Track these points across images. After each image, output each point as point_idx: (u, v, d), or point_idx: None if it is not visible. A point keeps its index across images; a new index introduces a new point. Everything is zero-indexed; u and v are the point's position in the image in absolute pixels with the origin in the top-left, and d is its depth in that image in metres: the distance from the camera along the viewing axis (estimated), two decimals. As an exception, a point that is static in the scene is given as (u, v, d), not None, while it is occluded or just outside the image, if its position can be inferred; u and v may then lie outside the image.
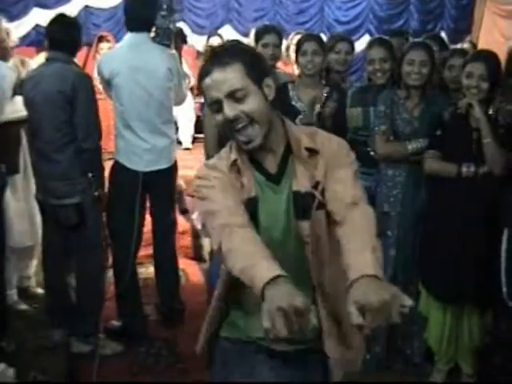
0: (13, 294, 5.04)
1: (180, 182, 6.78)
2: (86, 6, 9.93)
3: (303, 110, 4.38)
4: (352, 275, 1.85)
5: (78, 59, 6.40)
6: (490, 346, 4.02)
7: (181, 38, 6.01)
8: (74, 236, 4.37)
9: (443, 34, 10.26)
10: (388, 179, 4.18)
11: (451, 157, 3.90)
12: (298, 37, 5.47)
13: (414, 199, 4.18)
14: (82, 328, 4.42)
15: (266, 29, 4.78)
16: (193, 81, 8.71)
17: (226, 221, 2.07)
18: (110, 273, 4.81)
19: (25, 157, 4.99)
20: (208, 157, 4.55)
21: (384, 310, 1.70)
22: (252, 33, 7.53)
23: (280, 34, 4.86)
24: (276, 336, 1.70)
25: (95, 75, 5.31)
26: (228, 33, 9.63)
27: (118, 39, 8.00)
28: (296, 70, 5.44)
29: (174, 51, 4.72)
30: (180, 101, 4.93)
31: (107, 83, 4.57)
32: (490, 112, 3.91)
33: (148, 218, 4.89)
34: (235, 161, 2.21)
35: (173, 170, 4.80)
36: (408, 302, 1.73)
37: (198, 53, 9.39)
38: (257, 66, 2.16)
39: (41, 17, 9.26)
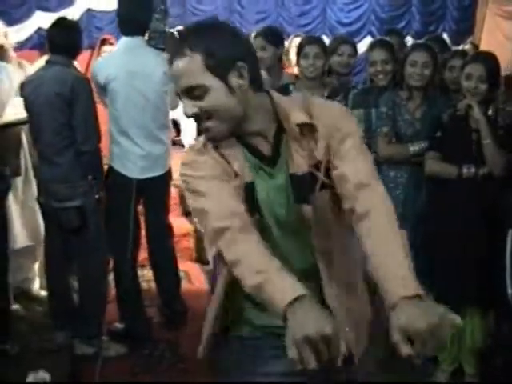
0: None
1: (183, 184, 6.79)
2: (89, 9, 9.96)
3: None
4: (390, 298, 1.68)
5: (81, 62, 6.42)
6: (492, 347, 4.02)
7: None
8: (76, 239, 4.37)
9: (445, 36, 10.26)
10: (390, 180, 4.18)
11: (451, 158, 3.91)
12: (298, 39, 5.49)
13: (414, 200, 4.19)
14: (86, 330, 4.42)
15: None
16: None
17: (225, 224, 1.89)
18: (112, 276, 4.81)
19: (25, 159, 5.01)
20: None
21: (434, 335, 1.58)
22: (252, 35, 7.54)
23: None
24: (304, 367, 1.57)
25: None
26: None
27: (120, 42, 8.00)
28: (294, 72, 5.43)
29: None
30: (175, 105, 4.92)
31: (103, 88, 4.53)
32: (490, 113, 3.93)
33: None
34: (216, 147, 2.02)
35: (167, 176, 4.77)
36: (458, 320, 1.65)
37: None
38: (222, 54, 1.90)
39: (43, 20, 9.27)
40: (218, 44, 1.92)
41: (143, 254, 4.97)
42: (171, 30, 5.36)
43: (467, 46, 8.40)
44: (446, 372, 4.20)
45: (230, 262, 1.88)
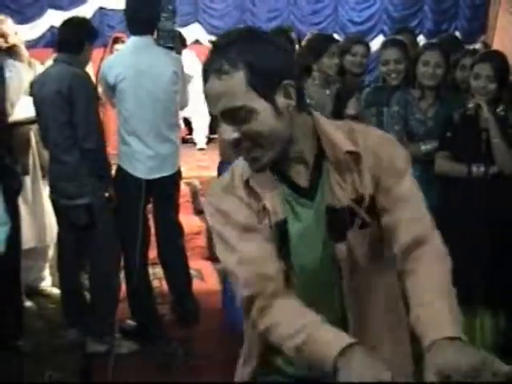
0: None
1: (195, 182, 6.82)
2: (101, 8, 9.97)
3: (315, 109, 4.42)
4: (427, 339, 1.54)
5: (94, 60, 6.44)
6: (504, 347, 4.01)
7: (180, 42, 6.03)
8: (86, 237, 4.40)
9: (457, 34, 10.26)
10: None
11: (461, 157, 3.91)
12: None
13: (426, 197, 4.18)
14: (98, 328, 4.44)
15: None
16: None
17: (255, 290, 1.73)
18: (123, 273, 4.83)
19: (34, 158, 5.02)
20: (223, 157, 4.58)
21: (474, 378, 1.43)
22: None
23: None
24: None
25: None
26: (242, 33, 9.64)
27: (132, 40, 8.02)
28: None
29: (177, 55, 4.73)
30: (183, 105, 4.92)
31: (112, 88, 4.51)
32: (499, 111, 3.92)
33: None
34: (247, 182, 1.80)
35: (177, 176, 4.75)
36: (504, 367, 1.43)
37: (212, 53, 9.41)
38: (268, 71, 1.65)
39: (55, 18, 9.29)
40: (263, 58, 1.65)
41: (154, 252, 4.98)
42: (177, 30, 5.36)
43: (478, 45, 8.40)
44: None
45: (265, 330, 1.73)
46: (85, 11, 9.29)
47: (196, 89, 7.98)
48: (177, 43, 4.91)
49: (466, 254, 3.87)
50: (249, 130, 1.65)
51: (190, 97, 5.22)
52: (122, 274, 4.76)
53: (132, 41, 4.61)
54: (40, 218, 5.09)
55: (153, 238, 4.88)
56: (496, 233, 3.83)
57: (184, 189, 6.30)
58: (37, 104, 4.33)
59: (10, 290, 4.43)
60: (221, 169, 4.61)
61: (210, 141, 8.28)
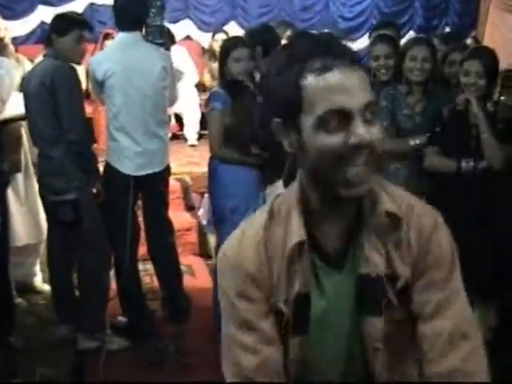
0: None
1: (186, 178, 6.81)
2: (91, 4, 9.93)
3: None
4: None
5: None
6: (493, 342, 4.03)
7: (169, 38, 6.03)
8: (73, 233, 4.39)
9: (448, 30, 10.27)
10: (389, 175, 4.19)
11: (451, 153, 3.93)
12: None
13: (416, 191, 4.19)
14: (88, 324, 4.44)
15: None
16: (197, 77, 8.73)
17: None
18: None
19: (25, 155, 5.02)
20: (213, 154, 4.59)
21: None
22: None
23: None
24: None
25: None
26: (233, 29, 9.62)
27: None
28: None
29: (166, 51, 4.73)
30: (172, 101, 4.91)
31: (100, 84, 4.49)
32: (488, 107, 3.93)
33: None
34: (302, 244, 1.48)
35: (166, 172, 4.75)
36: None
37: (203, 50, 9.41)
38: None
39: (46, 14, 9.26)
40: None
41: (145, 249, 4.98)
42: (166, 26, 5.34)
43: (469, 41, 8.42)
44: None
45: None
46: (75, 7, 9.24)
47: (187, 85, 8.01)
48: (166, 39, 4.90)
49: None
50: (374, 133, 1.41)
51: (181, 93, 5.24)
52: (113, 271, 4.76)
53: (121, 37, 4.59)
54: (33, 214, 5.09)
55: (143, 234, 4.88)
56: (486, 229, 3.85)
57: (175, 185, 6.29)
58: (25, 99, 4.33)
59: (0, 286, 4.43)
60: (211, 165, 4.64)
61: (201, 137, 8.26)
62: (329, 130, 1.38)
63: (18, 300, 5.03)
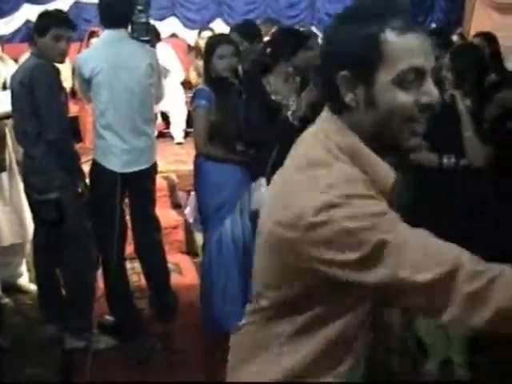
0: None
1: (172, 176, 6.81)
2: (77, 2, 9.87)
3: (283, 104, 4.46)
4: None
5: (70, 55, 6.41)
6: (480, 336, 4.05)
7: (155, 35, 6.03)
8: (56, 232, 4.38)
9: (433, 26, 10.28)
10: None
11: (438, 148, 3.93)
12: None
13: (400, 191, 4.19)
14: (75, 323, 4.42)
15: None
16: (183, 75, 8.72)
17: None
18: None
19: (9, 155, 5.00)
20: (198, 152, 4.59)
21: None
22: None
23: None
24: None
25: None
26: (219, 27, 9.61)
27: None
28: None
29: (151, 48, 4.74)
30: (159, 98, 4.91)
31: (87, 82, 4.49)
32: (468, 104, 3.92)
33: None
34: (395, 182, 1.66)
35: (152, 169, 4.75)
36: None
37: (189, 47, 9.40)
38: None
39: (32, 12, 9.22)
40: None
41: (132, 247, 4.97)
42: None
43: (455, 37, 8.43)
44: (434, 361, 4.23)
45: (482, 287, 1.41)
46: (61, 5, 9.15)
47: (173, 83, 8.00)
48: (151, 36, 4.90)
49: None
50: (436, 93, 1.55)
51: (167, 91, 5.24)
52: (100, 270, 4.75)
53: (106, 34, 4.58)
54: (18, 214, 5.06)
55: (130, 233, 4.87)
56: (466, 224, 3.84)
57: (161, 183, 6.28)
58: (11, 98, 4.31)
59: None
60: (196, 162, 4.64)
61: (187, 135, 8.25)
62: (404, 87, 1.47)
63: (5, 300, 5.02)
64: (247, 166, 4.57)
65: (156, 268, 4.94)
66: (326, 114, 1.62)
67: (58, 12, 4.47)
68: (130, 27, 4.61)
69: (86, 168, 4.72)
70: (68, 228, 4.32)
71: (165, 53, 7.66)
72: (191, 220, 6.13)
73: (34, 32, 4.33)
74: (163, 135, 8.51)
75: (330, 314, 1.57)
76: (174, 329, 4.79)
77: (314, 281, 1.51)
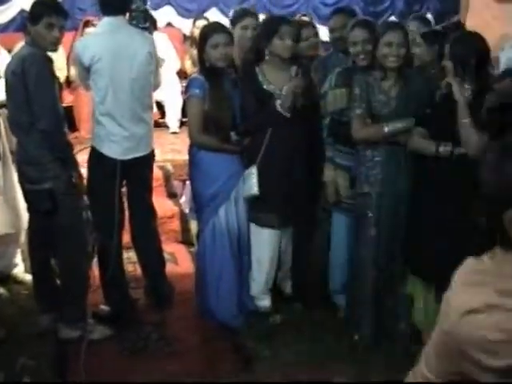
0: None
1: (168, 166, 6.80)
2: (72, -9, 9.86)
3: (276, 93, 4.44)
4: None
5: (64, 44, 6.39)
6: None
7: (152, 23, 6.00)
8: (50, 222, 4.36)
9: (429, 15, 10.24)
10: (367, 160, 4.19)
11: (436, 136, 3.92)
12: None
13: (395, 180, 4.19)
14: (70, 313, 4.41)
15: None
16: (179, 65, 8.69)
17: None
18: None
19: (3, 145, 4.98)
20: (192, 141, 4.58)
21: None
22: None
23: (257, 16, 4.84)
24: None
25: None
26: (214, 16, 9.55)
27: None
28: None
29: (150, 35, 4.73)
30: (156, 86, 4.91)
31: (86, 70, 4.48)
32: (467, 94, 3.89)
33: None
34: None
35: (150, 156, 4.76)
36: None
37: (185, 36, 9.36)
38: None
39: (26, 2, 9.17)
40: None
41: (127, 237, 4.97)
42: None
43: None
44: None
45: None
46: (55, -6, 9.17)
47: (168, 72, 7.96)
48: (149, 24, 4.89)
49: (439, 232, 3.90)
50: None
51: (163, 80, 5.22)
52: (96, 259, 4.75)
53: (106, 21, 4.56)
54: (11, 204, 5.05)
55: (126, 223, 4.86)
56: (461, 212, 3.82)
57: (157, 172, 6.27)
58: (5, 88, 4.30)
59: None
60: (191, 151, 4.64)
61: (182, 124, 8.23)
62: None
63: (0, 290, 5.01)
64: (241, 156, 4.57)
65: (152, 257, 4.94)
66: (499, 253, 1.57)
67: (52, 1, 4.43)
68: (128, 14, 4.61)
69: (82, 157, 4.71)
70: (62, 218, 4.29)
71: (160, 42, 7.60)
72: (187, 209, 6.13)
73: (27, 21, 4.30)
74: (158, 125, 8.47)
75: None
76: (170, 318, 4.79)
77: None
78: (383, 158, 4.17)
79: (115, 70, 4.44)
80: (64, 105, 5.37)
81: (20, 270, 5.37)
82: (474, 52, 3.83)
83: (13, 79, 4.13)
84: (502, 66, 6.50)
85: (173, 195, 6.74)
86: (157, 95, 7.12)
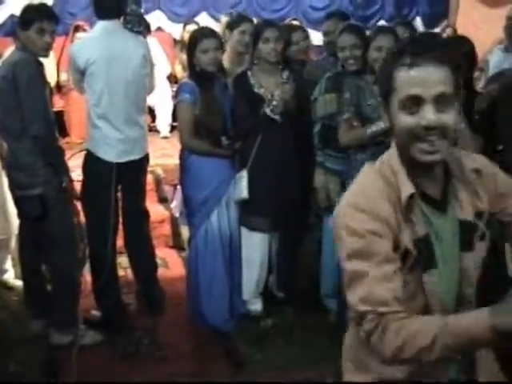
0: None
1: (158, 170, 6.80)
2: (62, -5, 9.85)
3: (267, 97, 4.45)
4: None
5: (55, 49, 6.38)
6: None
7: (145, 27, 6.03)
8: (41, 227, 4.35)
9: (419, 19, 10.28)
10: (358, 164, 4.19)
11: None
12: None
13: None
14: (61, 319, 4.40)
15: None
16: (169, 69, 8.69)
17: (390, 309, 1.74)
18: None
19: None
20: (183, 145, 4.58)
21: None
22: (223, 20, 7.59)
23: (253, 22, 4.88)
24: None
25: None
26: (204, 20, 9.56)
27: (94, 29, 7.93)
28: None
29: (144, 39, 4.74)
30: (150, 89, 4.92)
31: (81, 73, 4.49)
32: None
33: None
34: (412, 196, 1.85)
35: (145, 159, 4.78)
36: None
37: (175, 41, 9.37)
38: (460, 72, 1.86)
39: (16, 6, 9.16)
40: (457, 61, 1.88)
41: (121, 241, 4.97)
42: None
43: (448, 30, 8.48)
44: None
45: (399, 348, 1.71)
46: (45, -1, 9.17)
47: (159, 77, 7.93)
48: (143, 28, 4.91)
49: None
50: (445, 119, 1.79)
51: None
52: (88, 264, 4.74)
53: (101, 25, 4.57)
54: (2, 209, 5.04)
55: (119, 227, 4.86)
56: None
57: (148, 177, 6.25)
58: None
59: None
60: (181, 156, 4.64)
61: (173, 129, 8.24)
62: (407, 112, 1.80)
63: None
64: (233, 160, 4.58)
65: (144, 262, 4.94)
66: None
67: (42, 5, 4.44)
68: (122, 18, 4.64)
69: (73, 162, 4.70)
70: (53, 224, 4.29)
71: (150, 46, 7.63)
72: (177, 214, 6.13)
73: (17, 26, 4.29)
74: (149, 129, 8.46)
75: None
76: (161, 323, 4.78)
77: None
78: (369, 159, 4.16)
79: (110, 73, 4.45)
80: (55, 109, 5.34)
81: (10, 276, 5.36)
82: (466, 55, 3.85)
83: (3, 84, 4.12)
84: (492, 69, 6.53)
85: (164, 200, 6.73)
86: (147, 99, 7.12)
